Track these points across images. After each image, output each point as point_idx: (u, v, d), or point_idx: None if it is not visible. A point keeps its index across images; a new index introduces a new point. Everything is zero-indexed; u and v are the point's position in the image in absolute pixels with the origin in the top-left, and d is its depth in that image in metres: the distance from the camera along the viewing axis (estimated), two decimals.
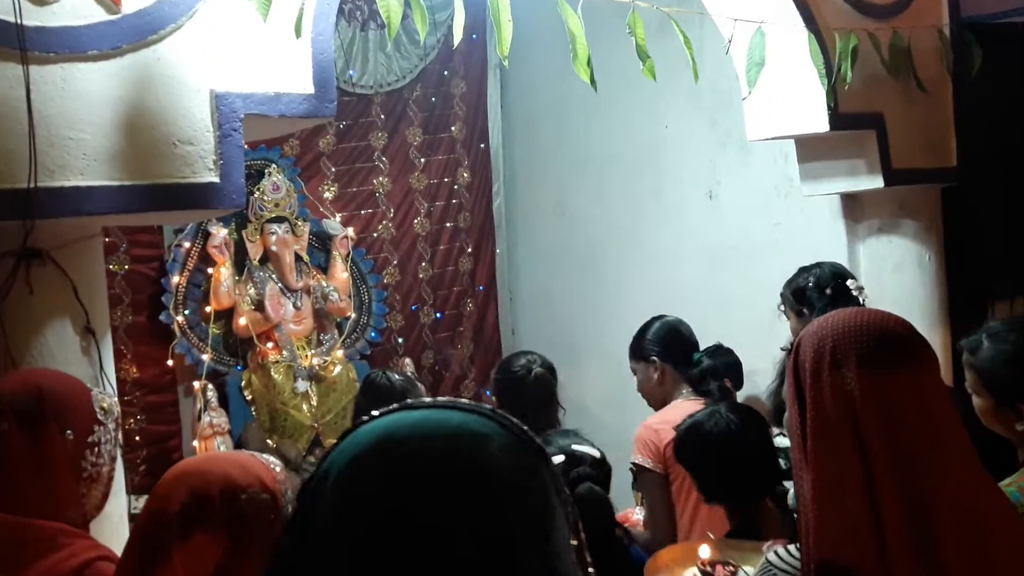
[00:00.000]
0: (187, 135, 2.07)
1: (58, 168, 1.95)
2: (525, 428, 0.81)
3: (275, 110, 2.19)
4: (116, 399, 1.78)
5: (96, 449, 1.58)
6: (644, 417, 2.96)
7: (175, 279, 4.25)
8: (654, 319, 2.95)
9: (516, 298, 5.35)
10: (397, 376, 3.09)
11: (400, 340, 5.02)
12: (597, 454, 2.21)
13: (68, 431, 1.54)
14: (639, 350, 2.88)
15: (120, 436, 1.70)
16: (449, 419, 0.77)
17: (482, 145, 5.26)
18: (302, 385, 4.37)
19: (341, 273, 4.64)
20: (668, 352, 2.86)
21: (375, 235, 4.98)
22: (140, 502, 2.49)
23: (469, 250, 5.28)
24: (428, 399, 0.81)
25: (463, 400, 0.81)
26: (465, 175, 5.25)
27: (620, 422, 3.62)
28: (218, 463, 1.37)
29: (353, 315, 4.71)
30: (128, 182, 2.00)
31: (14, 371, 1.72)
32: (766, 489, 2.17)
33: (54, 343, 2.03)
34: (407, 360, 4.79)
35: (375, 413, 0.80)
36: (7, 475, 1.49)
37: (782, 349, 2.52)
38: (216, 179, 2.08)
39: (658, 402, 2.90)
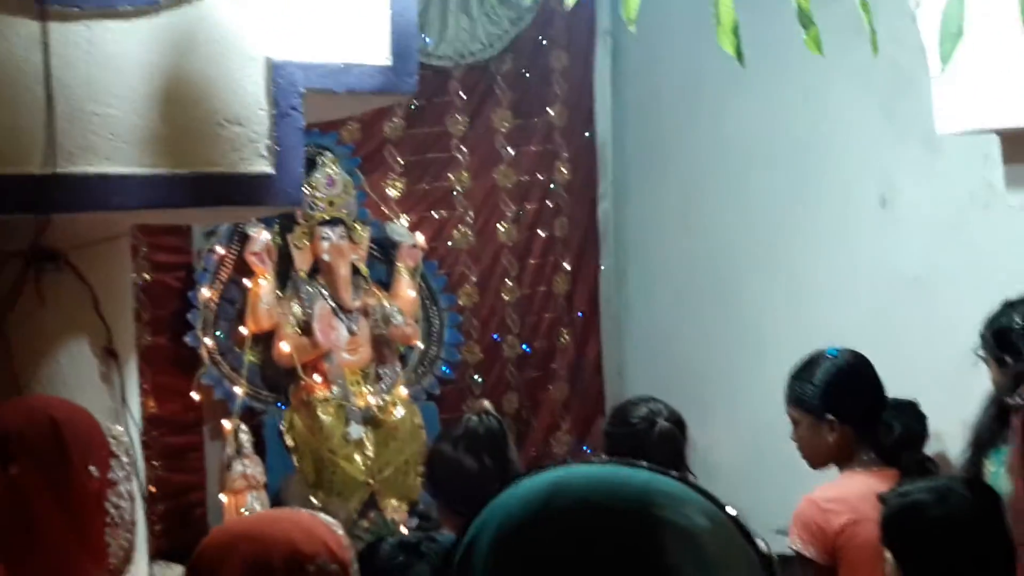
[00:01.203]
0: (236, 113, 2.14)
1: (79, 151, 2.02)
2: (719, 499, 0.81)
3: (343, 84, 2.25)
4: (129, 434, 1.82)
5: (116, 488, 1.62)
6: (789, 488, 2.91)
7: (205, 293, 4.32)
8: (822, 355, 2.85)
9: (625, 330, 5.42)
10: (495, 422, 3.02)
11: (477, 378, 5.09)
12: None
13: (91, 467, 1.59)
14: (804, 399, 2.80)
15: (140, 473, 1.77)
16: (632, 476, 0.79)
17: (586, 134, 5.34)
18: (356, 430, 4.43)
19: (407, 291, 4.69)
20: (849, 407, 2.77)
21: (450, 244, 5.06)
22: (162, 572, 2.52)
23: (567, 267, 5.34)
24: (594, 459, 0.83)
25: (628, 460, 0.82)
26: (564, 171, 5.31)
27: (758, 494, 3.54)
28: (278, 526, 1.39)
29: (420, 345, 4.77)
30: (164, 170, 2.05)
31: (9, 402, 1.75)
32: None
33: (68, 367, 2.10)
34: (486, 403, 4.53)
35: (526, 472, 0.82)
36: (24, 531, 1.51)
37: (1012, 400, 2.44)
38: (270, 169, 2.13)
39: (820, 461, 2.85)
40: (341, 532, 1.44)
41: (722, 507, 0.81)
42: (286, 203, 2.25)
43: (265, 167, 2.15)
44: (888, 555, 2.26)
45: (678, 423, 2.92)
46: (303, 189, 3.59)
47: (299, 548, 1.35)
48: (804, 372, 2.84)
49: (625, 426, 2.93)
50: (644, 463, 0.82)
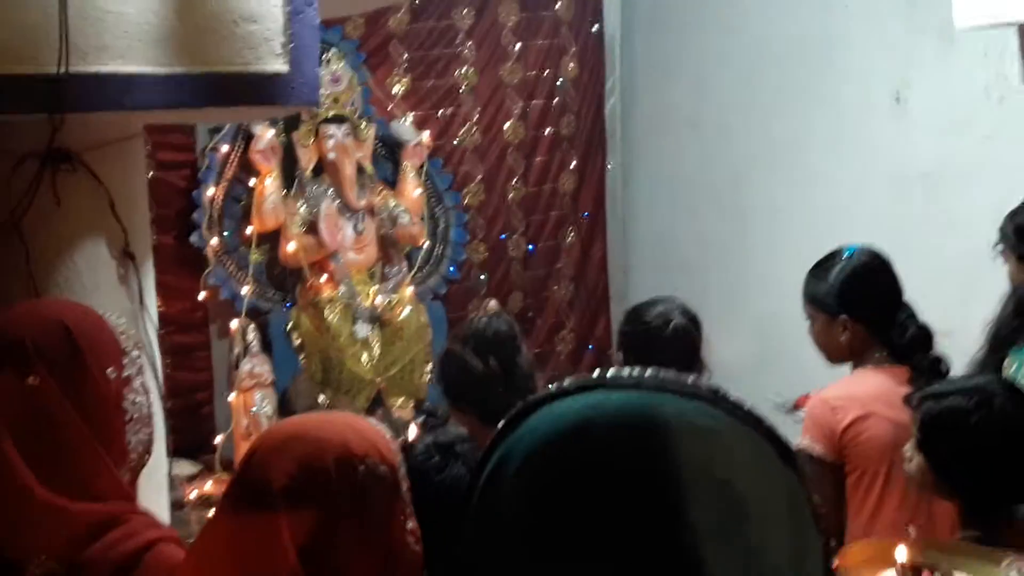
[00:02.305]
0: (251, 10, 2.08)
1: (93, 49, 1.97)
2: (765, 420, 0.80)
3: None
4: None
5: (131, 384, 1.63)
6: (804, 382, 2.94)
7: (210, 192, 4.31)
8: (839, 253, 2.81)
9: (631, 230, 5.37)
10: (504, 324, 2.99)
11: (483, 277, 5.09)
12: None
13: (109, 369, 1.60)
14: (818, 297, 2.77)
15: (158, 371, 1.77)
16: (663, 406, 0.78)
17: (594, 28, 5.29)
18: (362, 329, 4.46)
19: (413, 190, 4.68)
20: (861, 307, 2.74)
21: (456, 143, 5.01)
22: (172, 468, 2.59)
23: (573, 165, 5.30)
24: (628, 374, 0.81)
25: (671, 376, 0.81)
26: (571, 67, 5.23)
27: (764, 391, 3.46)
28: (330, 427, 1.41)
29: (427, 243, 4.78)
30: (178, 69, 2.02)
31: (17, 307, 1.73)
32: None
33: (85, 269, 2.07)
34: (492, 302, 4.86)
35: (559, 388, 0.82)
36: (48, 439, 1.51)
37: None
38: (285, 67, 2.10)
39: (835, 358, 2.83)
40: (390, 435, 1.46)
41: (761, 429, 0.80)
42: (302, 102, 2.17)
43: (280, 66, 2.11)
44: (918, 457, 2.25)
45: (693, 320, 2.90)
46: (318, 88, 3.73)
47: (351, 448, 1.37)
48: (820, 270, 2.81)
49: (640, 325, 2.91)
50: (673, 384, 0.80)
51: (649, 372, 0.81)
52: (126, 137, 2.17)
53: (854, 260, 2.79)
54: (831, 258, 2.80)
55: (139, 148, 2.25)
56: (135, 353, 1.67)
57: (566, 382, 0.83)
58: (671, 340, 2.82)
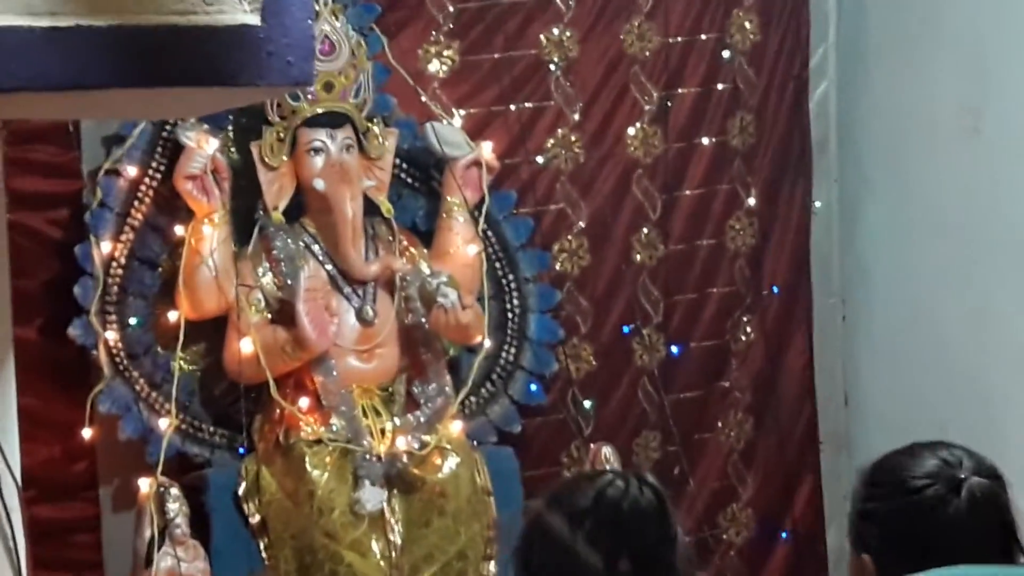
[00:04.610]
0: None
1: None
2: None
3: None
4: None
5: None
6: None
7: (104, 247, 3.55)
8: None
9: (857, 317, 4.52)
10: (645, 492, 2.34)
11: (589, 403, 4.15)
12: None
13: None
14: None
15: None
16: None
17: None
18: (372, 496, 3.56)
19: (465, 246, 3.82)
20: None
21: (539, 161, 4.10)
22: None
23: (750, 203, 4.33)
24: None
25: None
26: (747, 27, 4.27)
27: None
28: None
29: (487, 342, 3.84)
30: (71, 20, 1.74)
31: None
32: None
33: None
34: (606, 450, 3.85)
35: None
36: None
37: None
38: (255, 19, 1.81)
39: None
40: None
41: None
42: (284, 81, 1.83)
43: (247, 15, 1.80)
44: None
45: (993, 476, 2.47)
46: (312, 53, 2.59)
47: None
48: None
49: (901, 492, 2.43)
50: None
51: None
52: None
53: None
54: None
55: None
56: None
57: None
58: (967, 516, 2.41)
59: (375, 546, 3.56)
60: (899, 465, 2.43)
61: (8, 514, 2.02)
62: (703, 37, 4.24)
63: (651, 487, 2.31)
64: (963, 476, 2.35)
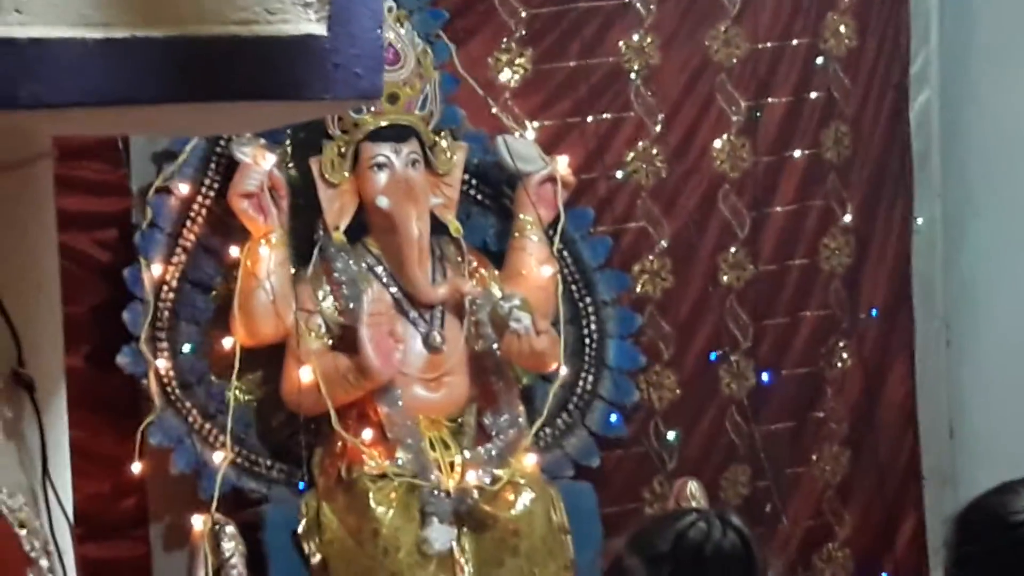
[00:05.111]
0: None
1: None
2: None
3: None
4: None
5: None
6: None
7: (155, 268, 3.56)
8: None
9: (963, 340, 4.45)
10: (732, 536, 2.38)
11: (672, 435, 4.12)
12: None
13: None
14: None
15: None
16: None
17: None
18: (441, 535, 3.57)
19: (539, 267, 3.80)
20: None
21: (618, 176, 4.05)
22: None
23: (847, 220, 4.28)
24: None
25: None
26: (842, 31, 4.19)
27: None
28: None
29: (563, 370, 3.82)
30: (128, 32, 1.74)
31: None
32: None
33: None
34: (692, 484, 3.85)
35: None
36: None
37: None
38: (321, 28, 1.81)
39: None
40: None
41: None
42: (351, 94, 1.83)
43: (313, 25, 1.81)
44: None
45: None
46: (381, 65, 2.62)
47: None
48: None
49: (1000, 531, 2.42)
50: None
51: None
52: (20, 163, 1.97)
53: None
54: None
55: (45, 185, 2.02)
56: (44, 564, 1.77)
57: None
58: None
59: None
60: (997, 503, 2.40)
61: (61, 556, 1.95)
62: (795, 43, 4.16)
63: (735, 529, 2.32)
64: None
